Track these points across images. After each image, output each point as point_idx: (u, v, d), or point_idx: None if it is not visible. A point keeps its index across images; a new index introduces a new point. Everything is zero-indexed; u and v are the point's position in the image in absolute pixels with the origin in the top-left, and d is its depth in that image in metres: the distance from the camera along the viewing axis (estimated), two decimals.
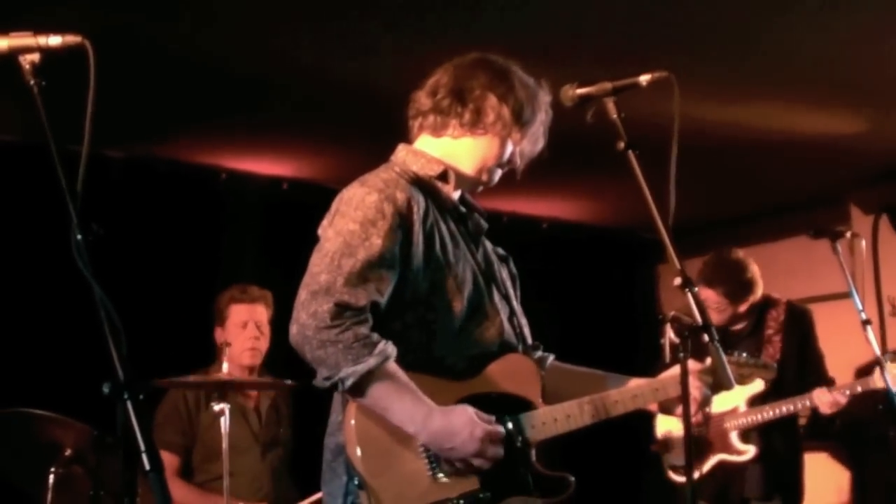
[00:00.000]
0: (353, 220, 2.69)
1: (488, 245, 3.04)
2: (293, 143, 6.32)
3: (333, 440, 2.78)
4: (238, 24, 4.68)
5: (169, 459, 4.75)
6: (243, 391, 4.97)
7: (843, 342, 5.41)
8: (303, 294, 2.66)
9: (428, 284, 2.75)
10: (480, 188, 2.97)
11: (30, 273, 5.63)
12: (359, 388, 2.62)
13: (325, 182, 6.74)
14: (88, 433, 4.07)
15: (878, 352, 4.82)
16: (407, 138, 2.97)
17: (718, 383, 2.96)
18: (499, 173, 2.95)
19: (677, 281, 2.54)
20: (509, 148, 2.89)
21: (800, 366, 5.41)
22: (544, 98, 2.93)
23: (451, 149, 2.90)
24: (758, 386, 5.19)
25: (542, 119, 2.92)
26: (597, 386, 3.00)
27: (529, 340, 3.07)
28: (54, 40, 2.16)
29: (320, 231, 2.80)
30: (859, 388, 5.28)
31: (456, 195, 2.95)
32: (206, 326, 5.20)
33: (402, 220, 2.71)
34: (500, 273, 3.00)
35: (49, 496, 4.04)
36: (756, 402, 5.38)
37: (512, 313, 2.96)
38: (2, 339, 5.49)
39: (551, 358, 3.11)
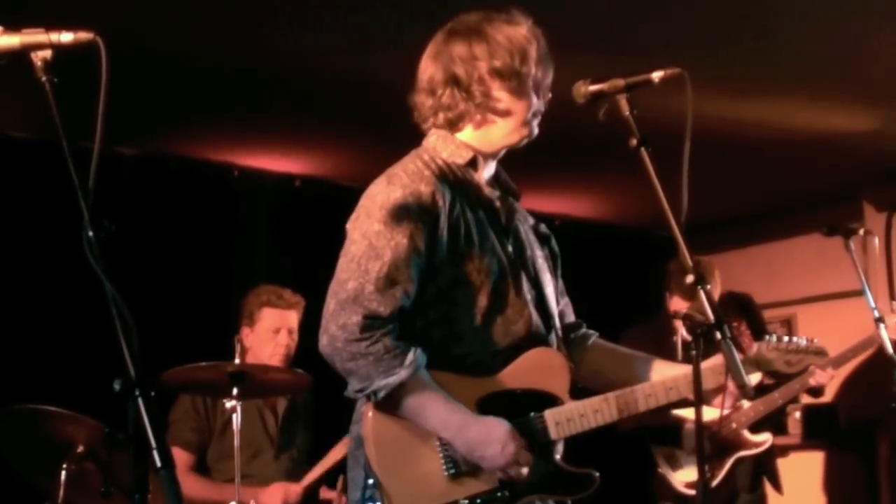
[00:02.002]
0: (378, 220, 2.67)
1: (526, 224, 3.00)
2: (306, 140, 6.32)
3: (356, 429, 2.77)
4: (251, 21, 4.68)
5: (183, 456, 4.74)
6: (262, 390, 4.90)
7: (856, 338, 5.39)
8: (332, 304, 2.65)
9: (451, 279, 2.72)
10: (525, 141, 2.88)
11: (42, 270, 5.64)
12: (392, 399, 2.63)
13: (338, 179, 6.75)
14: (100, 430, 4.07)
15: (890, 349, 4.80)
16: (413, 133, 2.93)
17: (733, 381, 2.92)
18: (537, 120, 2.85)
19: (689, 278, 2.53)
20: (532, 96, 2.82)
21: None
22: (522, 29, 2.82)
23: (482, 136, 2.85)
24: (754, 378, 5.14)
25: (535, 48, 2.82)
26: (637, 370, 2.94)
27: (571, 318, 3.06)
28: (66, 37, 2.15)
29: (348, 226, 2.77)
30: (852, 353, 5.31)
31: (488, 173, 2.90)
32: (220, 324, 5.19)
33: (427, 216, 2.69)
34: (536, 256, 2.94)
35: (61, 492, 4.04)
36: (756, 394, 5.36)
37: (542, 302, 2.89)
38: (14, 336, 5.50)
39: (594, 336, 3.08)
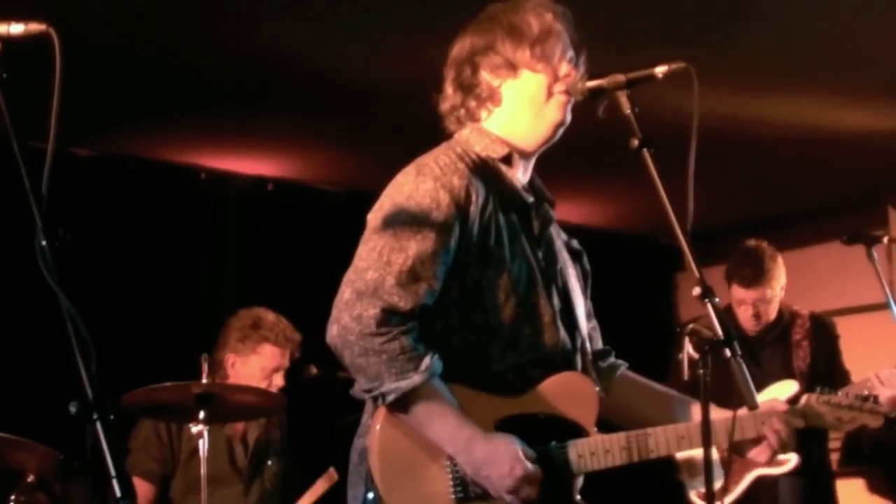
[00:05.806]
0: (405, 211, 2.68)
1: (559, 238, 3.00)
2: (279, 140, 6.32)
3: (361, 443, 2.77)
4: (220, 16, 4.70)
5: (143, 488, 4.71)
6: (232, 413, 4.85)
7: (880, 356, 5.40)
8: (346, 292, 2.65)
9: (477, 281, 2.73)
10: (561, 129, 2.87)
11: None
12: (401, 404, 2.63)
13: (314, 182, 6.75)
14: (53, 457, 4.07)
15: None
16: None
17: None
18: (561, 103, 2.82)
19: (696, 291, 2.53)
20: (542, 76, 2.82)
21: (828, 376, 5.38)
22: (528, 13, 2.86)
23: (510, 131, 2.87)
24: (791, 388, 5.13)
25: (542, 29, 2.84)
26: (675, 410, 2.96)
27: (599, 345, 3.06)
28: (16, 28, 2.16)
29: (370, 216, 2.77)
30: None
31: (524, 176, 2.92)
32: (185, 341, 5.19)
33: (459, 211, 2.70)
34: (566, 272, 2.95)
35: None
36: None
37: (571, 318, 2.89)
38: None
39: (623, 367, 3.09)
